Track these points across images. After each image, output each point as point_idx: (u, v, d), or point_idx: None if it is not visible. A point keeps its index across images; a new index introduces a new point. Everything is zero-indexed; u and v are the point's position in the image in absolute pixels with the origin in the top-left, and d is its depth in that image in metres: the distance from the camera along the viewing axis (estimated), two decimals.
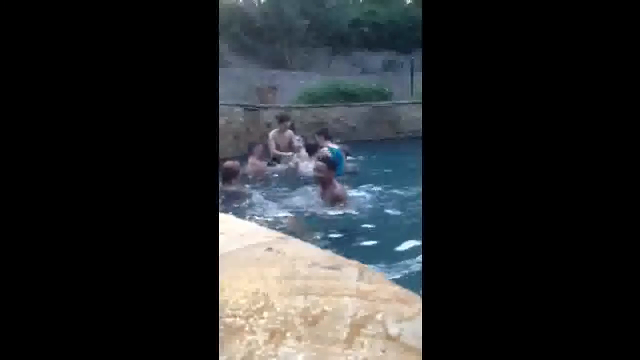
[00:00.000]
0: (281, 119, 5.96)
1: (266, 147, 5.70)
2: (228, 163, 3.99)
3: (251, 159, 5.22)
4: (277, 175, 5.22)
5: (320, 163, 3.76)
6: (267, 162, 5.46)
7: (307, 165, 4.76)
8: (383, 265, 2.51)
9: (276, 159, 5.60)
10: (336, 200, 3.70)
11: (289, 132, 5.89)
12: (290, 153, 5.63)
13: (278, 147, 5.76)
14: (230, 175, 3.92)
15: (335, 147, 5.24)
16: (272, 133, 5.88)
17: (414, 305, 0.89)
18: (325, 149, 4.94)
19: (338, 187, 3.81)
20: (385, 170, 5.66)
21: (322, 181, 3.74)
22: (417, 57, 10.93)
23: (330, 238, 3.16)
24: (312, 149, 5.08)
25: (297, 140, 5.77)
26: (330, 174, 3.75)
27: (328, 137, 5.39)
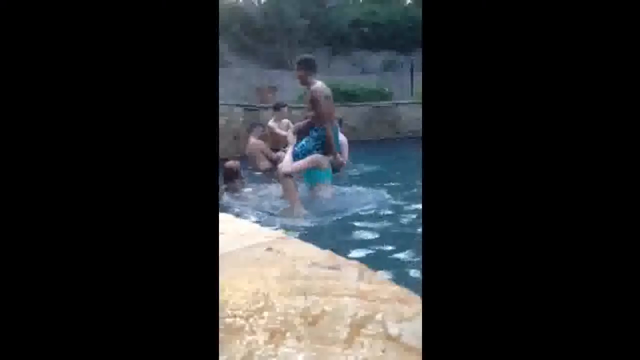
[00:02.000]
0: (276, 107, 6.02)
1: (264, 129, 5.85)
2: (229, 163, 3.99)
3: (252, 139, 5.53)
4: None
5: (299, 64, 3.61)
6: (268, 145, 5.62)
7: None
8: None
9: (276, 149, 5.71)
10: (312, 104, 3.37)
11: (286, 120, 5.95)
12: (285, 133, 5.71)
13: (277, 137, 5.80)
14: (232, 175, 3.92)
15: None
16: (270, 122, 5.92)
17: (414, 305, 0.89)
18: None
19: (319, 84, 3.52)
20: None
21: (303, 80, 3.58)
22: (417, 57, 10.94)
23: None
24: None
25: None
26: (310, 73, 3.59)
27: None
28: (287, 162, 3.49)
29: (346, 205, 3.41)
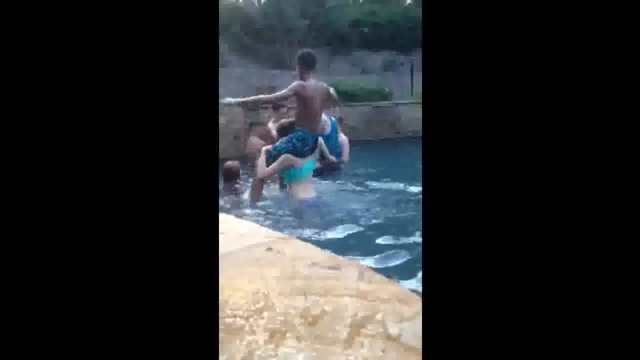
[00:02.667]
0: (275, 107, 6.00)
1: (266, 129, 5.90)
2: (228, 163, 4.00)
3: (252, 139, 5.60)
4: None
5: (297, 61, 3.59)
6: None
7: None
8: None
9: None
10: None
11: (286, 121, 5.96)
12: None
13: (274, 138, 5.80)
14: (231, 175, 3.93)
15: (331, 117, 5.39)
16: (269, 124, 5.93)
17: (414, 305, 0.89)
18: (324, 117, 4.94)
19: (308, 81, 3.45)
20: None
21: (300, 76, 3.51)
22: (417, 57, 10.94)
23: None
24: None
25: None
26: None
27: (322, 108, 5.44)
28: (260, 166, 3.53)
29: (316, 212, 3.39)
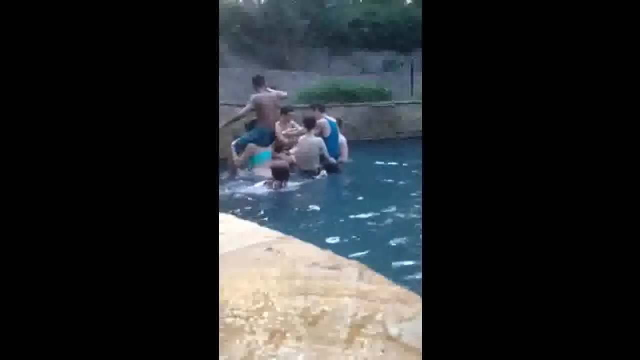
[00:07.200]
0: (283, 111, 6.10)
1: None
2: None
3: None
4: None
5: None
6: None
7: (306, 139, 5.28)
8: None
9: (279, 149, 5.79)
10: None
11: (292, 122, 6.04)
12: (287, 141, 5.94)
13: (280, 142, 5.87)
14: None
15: (332, 119, 5.72)
16: (276, 124, 5.97)
17: (414, 305, 0.89)
18: (323, 120, 5.53)
19: (258, 95, 5.42)
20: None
21: (255, 89, 5.34)
22: (417, 57, 10.96)
23: None
24: (309, 123, 5.40)
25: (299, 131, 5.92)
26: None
27: (323, 110, 5.84)
28: (233, 156, 5.22)
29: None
